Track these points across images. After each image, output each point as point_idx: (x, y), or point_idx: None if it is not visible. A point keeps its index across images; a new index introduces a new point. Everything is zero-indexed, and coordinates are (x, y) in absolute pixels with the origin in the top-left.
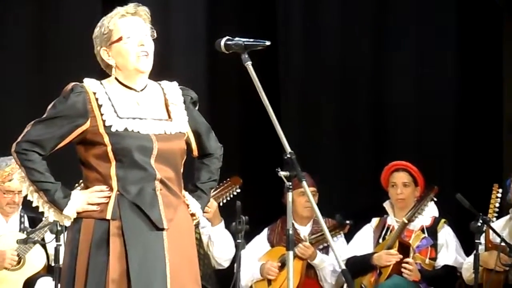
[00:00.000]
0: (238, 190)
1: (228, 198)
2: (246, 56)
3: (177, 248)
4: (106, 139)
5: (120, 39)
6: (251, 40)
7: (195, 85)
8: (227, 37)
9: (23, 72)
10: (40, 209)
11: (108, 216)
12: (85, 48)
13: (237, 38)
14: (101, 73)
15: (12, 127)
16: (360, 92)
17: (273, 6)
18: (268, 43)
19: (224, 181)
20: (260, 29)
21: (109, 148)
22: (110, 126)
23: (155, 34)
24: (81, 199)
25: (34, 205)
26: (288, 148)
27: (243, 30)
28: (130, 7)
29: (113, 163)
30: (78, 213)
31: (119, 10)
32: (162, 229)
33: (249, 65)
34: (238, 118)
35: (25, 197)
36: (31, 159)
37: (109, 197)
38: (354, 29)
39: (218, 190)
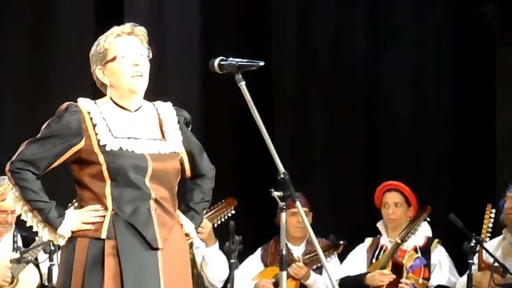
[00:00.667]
0: (233, 212)
1: (223, 220)
2: (240, 76)
3: (172, 268)
4: (101, 158)
5: (114, 58)
6: (245, 60)
7: (189, 105)
8: (221, 58)
9: (18, 89)
10: (34, 229)
11: (103, 236)
12: (79, 66)
13: (230, 59)
14: (95, 90)
15: (3, 144)
16: (355, 112)
17: (267, 25)
18: (261, 63)
19: (219, 202)
20: (254, 48)
21: (103, 167)
22: (105, 145)
23: (151, 55)
24: (76, 218)
25: (28, 224)
26: (281, 168)
27: (237, 49)
28: (127, 26)
29: (108, 182)
30: (72, 232)
31: (115, 30)
32: (157, 249)
33: (242, 85)
34: (232, 138)
35: (18, 216)
36: (25, 178)
37: (104, 216)
38: (348, 48)
39: (213, 211)
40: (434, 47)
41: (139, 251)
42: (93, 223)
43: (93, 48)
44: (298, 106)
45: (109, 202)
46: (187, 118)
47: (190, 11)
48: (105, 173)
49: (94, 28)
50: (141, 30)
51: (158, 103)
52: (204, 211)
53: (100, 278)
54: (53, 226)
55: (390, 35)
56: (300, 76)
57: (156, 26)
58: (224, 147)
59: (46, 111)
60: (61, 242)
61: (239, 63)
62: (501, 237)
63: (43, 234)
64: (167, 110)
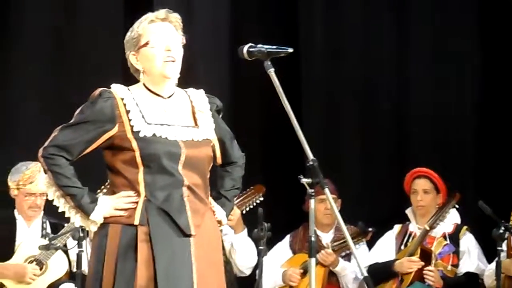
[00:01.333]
0: (261, 199)
1: (251, 206)
2: (269, 63)
3: (204, 255)
4: (134, 144)
5: (147, 43)
6: (274, 47)
7: (218, 92)
8: (250, 44)
9: (38, 75)
10: (67, 214)
11: (136, 222)
12: (106, 53)
13: (260, 45)
14: (123, 79)
15: (26, 129)
16: (382, 99)
17: (295, 14)
18: (290, 50)
19: (248, 189)
20: (282, 36)
21: (137, 154)
22: (138, 132)
23: (185, 41)
24: (108, 205)
25: (60, 210)
26: (310, 155)
27: (266, 38)
28: (161, 12)
29: (141, 168)
30: (105, 218)
31: (149, 15)
32: (190, 236)
33: (271, 72)
34: (260, 125)
35: (47, 202)
36: (58, 164)
37: (137, 202)
38: (377, 39)
39: (242, 198)
40: (460, 34)
41: (172, 237)
42: (125, 210)
43: (128, 34)
44: (326, 94)
45: (142, 188)
46: (218, 106)
47: (220, 2)
48: (138, 159)
49: (123, 21)
50: (175, 17)
51: (191, 90)
52: (234, 198)
53: (133, 264)
54: (85, 212)
55: (417, 29)
56: (328, 63)
57: (185, 13)
58: (253, 134)
59: (72, 105)
60: (93, 228)
61: (268, 49)
62: None
63: (76, 220)
64: (199, 97)
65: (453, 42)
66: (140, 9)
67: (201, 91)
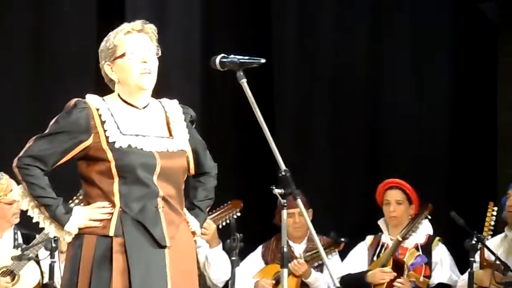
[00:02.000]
0: (238, 214)
1: (228, 221)
2: (241, 73)
3: (179, 266)
4: (110, 155)
5: (123, 55)
6: (246, 57)
7: (190, 103)
8: (222, 55)
9: (14, 81)
10: (41, 225)
11: (111, 233)
12: (81, 64)
13: (232, 56)
14: (97, 89)
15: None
16: (355, 110)
17: (269, 22)
18: (263, 60)
19: (225, 204)
20: (255, 45)
21: (112, 164)
22: (114, 143)
23: (160, 53)
24: (83, 215)
25: (34, 220)
26: (283, 166)
27: (238, 47)
28: (137, 24)
29: (116, 179)
30: (80, 229)
31: (125, 26)
32: (164, 247)
33: (244, 82)
34: (233, 135)
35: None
36: (33, 174)
37: (112, 213)
38: (349, 43)
39: (219, 212)
40: (434, 45)
41: (147, 249)
42: (100, 220)
43: (103, 43)
44: (299, 104)
45: (117, 199)
46: (192, 116)
47: (191, 9)
48: (114, 170)
49: (96, 27)
50: (151, 28)
51: (165, 101)
52: (207, 209)
53: (108, 275)
54: (60, 223)
55: (390, 32)
56: (301, 73)
57: (157, 23)
58: (226, 145)
59: (48, 111)
60: (68, 239)
61: (241, 60)
62: (503, 234)
63: (50, 230)
64: (173, 107)
65: (429, 52)
66: (113, 19)
67: (175, 101)
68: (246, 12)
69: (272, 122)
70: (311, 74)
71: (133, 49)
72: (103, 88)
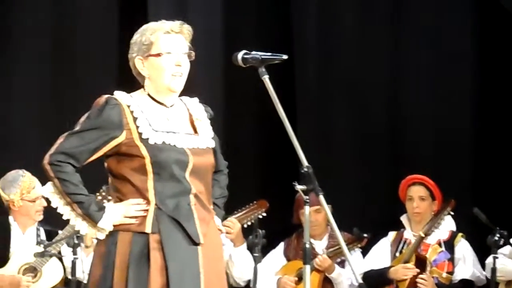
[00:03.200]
0: (264, 214)
1: (253, 221)
2: (263, 69)
3: (210, 264)
4: (144, 151)
5: (159, 55)
6: (268, 54)
7: (212, 102)
8: (245, 51)
9: (35, 80)
10: (72, 222)
11: (148, 230)
12: (102, 64)
13: (254, 52)
14: (117, 84)
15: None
16: (377, 105)
17: (289, 20)
18: (285, 57)
19: (251, 204)
20: (276, 42)
21: (147, 161)
22: (147, 139)
23: (193, 56)
24: (118, 212)
25: (65, 217)
26: (305, 162)
27: (260, 47)
28: (176, 25)
29: (151, 175)
30: (114, 226)
31: (164, 26)
32: (198, 244)
33: (266, 78)
34: (255, 132)
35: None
36: (66, 171)
37: (147, 210)
38: (370, 42)
39: (244, 212)
40: (457, 42)
41: (182, 246)
42: (136, 217)
43: (136, 36)
44: (321, 100)
45: (151, 196)
46: (211, 114)
47: (213, 5)
48: (148, 167)
49: (118, 23)
50: (188, 29)
51: (186, 99)
52: (223, 206)
53: (146, 271)
54: (93, 220)
55: (412, 31)
56: (322, 70)
57: (179, 19)
58: (248, 142)
59: (70, 110)
60: (101, 236)
61: (262, 56)
62: None
63: (82, 227)
64: (195, 105)
65: (452, 48)
66: (135, 16)
67: (196, 99)
68: (268, 9)
69: (294, 119)
70: (333, 71)
71: (170, 51)
72: (125, 85)
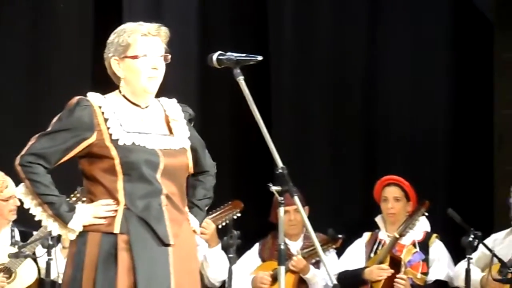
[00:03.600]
0: (239, 214)
1: (227, 222)
2: (238, 71)
3: (182, 265)
4: (114, 152)
5: (135, 57)
6: (243, 55)
7: (187, 101)
8: (219, 52)
9: (12, 84)
10: (43, 223)
11: (116, 230)
12: (77, 63)
13: (229, 53)
14: (92, 85)
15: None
16: (352, 105)
17: (265, 19)
18: (260, 58)
19: (225, 204)
20: (252, 42)
21: (116, 162)
22: (117, 140)
23: (169, 59)
24: (88, 213)
25: (37, 218)
26: (280, 163)
27: (235, 45)
28: (154, 27)
29: (120, 176)
30: (84, 226)
31: (142, 28)
32: (168, 245)
33: (241, 79)
34: (230, 132)
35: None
36: (36, 172)
37: (116, 210)
38: (346, 43)
39: (219, 212)
40: (432, 43)
41: (151, 246)
42: (105, 218)
43: (113, 36)
44: (296, 101)
45: (121, 196)
46: (191, 115)
47: (188, 4)
48: (118, 168)
49: (93, 25)
50: (166, 31)
51: (163, 100)
52: (206, 208)
53: (113, 272)
54: (64, 221)
55: (388, 30)
56: (298, 70)
57: (154, 21)
58: (223, 142)
59: (45, 109)
60: (71, 237)
61: (238, 57)
62: (509, 230)
63: (53, 228)
64: (173, 106)
65: (426, 50)
66: (110, 17)
67: (174, 100)
68: (243, 10)
69: (269, 119)
70: (308, 72)
71: (146, 53)
72: (101, 86)
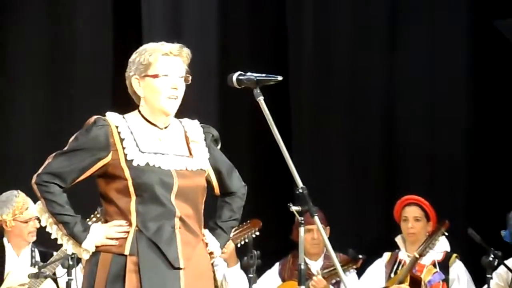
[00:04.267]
0: (257, 233)
1: (246, 240)
2: (258, 91)
3: (194, 287)
4: (127, 173)
5: (156, 76)
6: (263, 75)
7: (206, 121)
8: (239, 72)
9: (32, 102)
10: (59, 241)
11: (126, 252)
12: (97, 75)
13: (249, 73)
14: (114, 102)
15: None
16: (373, 128)
17: (285, 39)
18: (280, 78)
19: (244, 223)
20: (271, 61)
21: (129, 183)
22: (132, 160)
23: (190, 80)
24: (100, 233)
25: (53, 237)
26: (300, 183)
27: (254, 63)
28: (175, 47)
29: (133, 198)
30: (96, 246)
31: (163, 47)
32: (179, 268)
33: (261, 100)
34: (250, 153)
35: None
36: (52, 191)
37: (128, 232)
38: (366, 61)
39: (237, 231)
40: (451, 62)
41: (161, 269)
42: (117, 239)
43: (135, 55)
44: (316, 121)
45: (133, 218)
46: (214, 136)
47: (208, 24)
48: (131, 189)
49: (112, 45)
50: (187, 52)
51: (185, 121)
52: (232, 229)
53: None
54: (77, 240)
55: (407, 50)
56: (317, 90)
57: (173, 40)
58: (243, 162)
59: (66, 130)
60: (85, 256)
61: (258, 77)
62: None
63: (68, 247)
64: (194, 127)
65: (447, 70)
66: (130, 37)
67: (196, 122)
68: (262, 29)
69: (289, 138)
70: (327, 91)
71: (167, 73)
72: (121, 106)
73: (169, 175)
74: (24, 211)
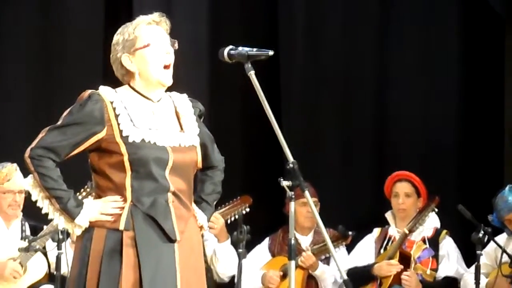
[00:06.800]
0: (248, 209)
1: (236, 216)
2: (249, 65)
3: (188, 261)
4: (123, 148)
5: (146, 45)
6: (255, 49)
7: (197, 96)
8: (231, 47)
9: (23, 79)
10: (50, 216)
11: (122, 227)
12: (88, 62)
13: (240, 48)
14: (103, 81)
15: (9, 134)
16: (363, 102)
17: (276, 15)
18: (271, 52)
19: (234, 199)
20: (262, 37)
21: (125, 158)
22: (127, 136)
23: (177, 45)
24: (94, 209)
25: (43, 211)
26: (290, 158)
27: (246, 38)
28: (155, 15)
29: (129, 173)
30: (90, 222)
31: (144, 18)
32: (174, 241)
33: (252, 74)
34: (241, 127)
35: (25, 204)
36: (45, 166)
37: (123, 208)
38: (357, 40)
39: (227, 207)
40: (442, 39)
41: (157, 243)
42: (111, 214)
43: (117, 37)
44: (306, 96)
45: (128, 193)
46: (201, 110)
47: (199, 3)
48: (127, 164)
49: (103, 26)
50: (166, 22)
51: (174, 94)
52: (215, 203)
53: (117, 268)
54: (70, 215)
55: (398, 27)
56: (309, 66)
57: (164, 12)
58: (233, 137)
59: (55, 106)
60: (78, 232)
61: (249, 52)
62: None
63: (59, 222)
64: (183, 101)
65: (437, 49)
66: (120, 17)
67: (185, 95)
68: (254, 5)
69: (279, 114)
70: (318, 67)
71: (156, 40)
72: (111, 82)
73: (164, 151)
74: (6, 182)
